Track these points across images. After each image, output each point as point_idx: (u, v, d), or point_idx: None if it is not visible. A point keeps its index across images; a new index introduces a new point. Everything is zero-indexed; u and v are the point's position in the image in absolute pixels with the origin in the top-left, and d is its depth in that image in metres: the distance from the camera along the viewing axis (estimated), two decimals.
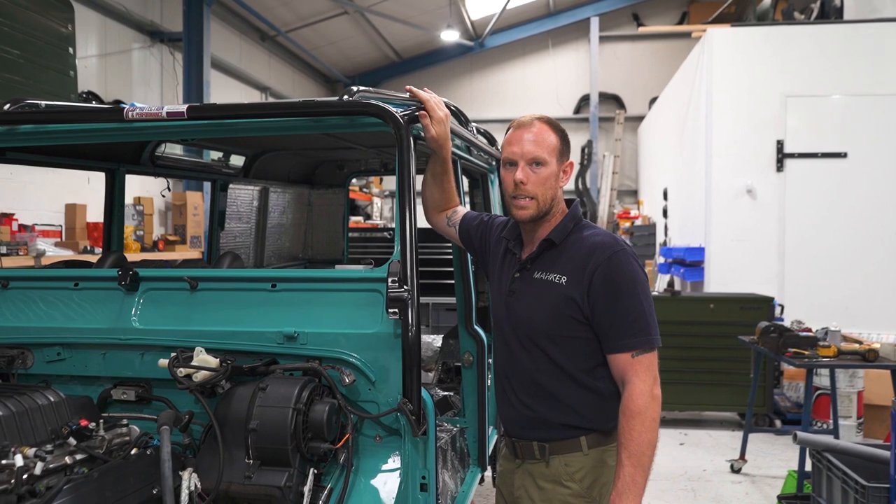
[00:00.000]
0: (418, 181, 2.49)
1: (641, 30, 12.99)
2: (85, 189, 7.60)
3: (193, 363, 1.97)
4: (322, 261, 5.91)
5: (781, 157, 7.64)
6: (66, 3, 7.13)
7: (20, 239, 6.30)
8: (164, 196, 6.51)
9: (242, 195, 4.92)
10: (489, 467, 3.61)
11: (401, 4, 12.58)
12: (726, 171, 7.77)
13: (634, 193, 14.97)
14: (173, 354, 2.01)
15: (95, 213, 7.39)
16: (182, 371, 1.96)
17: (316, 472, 1.99)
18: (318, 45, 13.56)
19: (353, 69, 15.42)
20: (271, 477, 1.87)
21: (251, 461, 1.89)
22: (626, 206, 14.63)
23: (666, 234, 10.84)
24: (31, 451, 1.53)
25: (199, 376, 1.95)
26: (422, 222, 2.46)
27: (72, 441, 1.65)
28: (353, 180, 11.36)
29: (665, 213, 10.83)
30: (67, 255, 6.36)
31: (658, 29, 13.11)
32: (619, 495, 1.90)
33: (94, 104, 7.45)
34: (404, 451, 2.08)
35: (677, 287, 8.40)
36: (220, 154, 4.53)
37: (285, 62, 13.40)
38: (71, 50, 7.08)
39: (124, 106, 2.48)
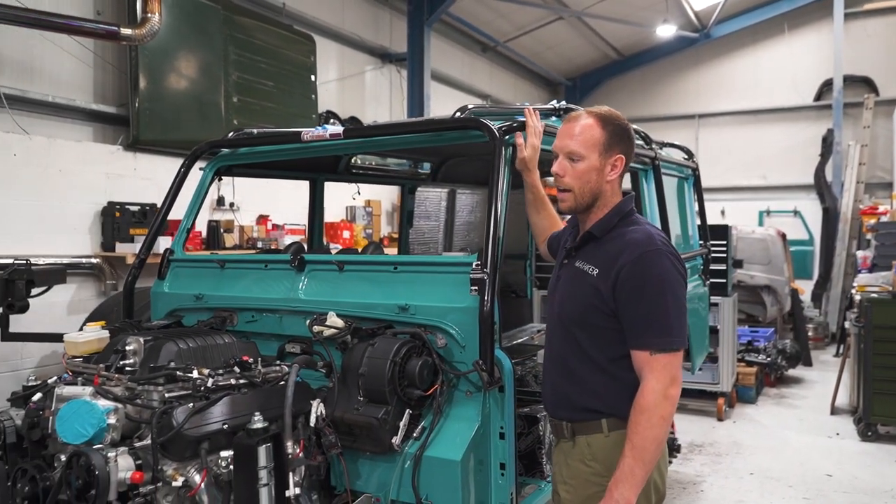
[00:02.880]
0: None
1: (868, 6, 11.56)
2: (325, 195, 9.00)
3: (326, 323, 2.64)
4: (509, 256, 6.43)
5: None
6: (310, 38, 8.54)
7: (273, 236, 7.74)
8: (354, 199, 7.57)
9: (431, 197, 5.65)
10: None
11: (617, 3, 12.66)
12: None
13: (889, 186, 13.32)
14: (314, 316, 2.69)
15: (332, 214, 8.72)
16: (316, 328, 2.63)
17: (412, 412, 2.53)
18: (537, 51, 14.14)
19: (573, 71, 15.75)
20: (373, 410, 2.45)
21: (361, 398, 2.50)
22: (878, 200, 13.09)
23: None
24: (206, 371, 2.28)
25: (328, 332, 2.61)
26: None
27: (236, 370, 2.39)
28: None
29: None
30: None
31: (886, 4, 11.57)
32: (616, 483, 2.02)
33: (331, 122, 8.80)
34: (485, 405, 2.54)
35: None
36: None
37: (506, 70, 14.19)
38: (312, 77, 8.48)
39: (300, 130, 3.25)
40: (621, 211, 2.26)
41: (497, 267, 2.56)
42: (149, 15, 5.78)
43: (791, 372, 9.13)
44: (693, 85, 15.20)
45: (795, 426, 7.07)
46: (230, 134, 3.60)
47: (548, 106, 3.48)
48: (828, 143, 13.47)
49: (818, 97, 14.03)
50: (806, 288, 12.13)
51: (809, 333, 10.81)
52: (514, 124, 2.84)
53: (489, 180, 2.71)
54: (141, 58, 6.33)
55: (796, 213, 14.11)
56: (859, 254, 12.00)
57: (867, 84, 13.61)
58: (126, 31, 5.67)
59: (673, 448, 5.31)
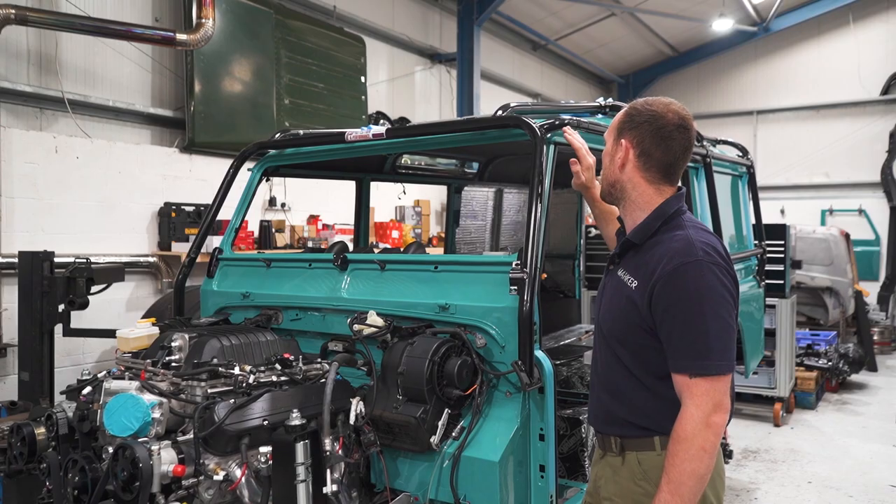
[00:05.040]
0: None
1: None
2: (374, 195, 9.08)
3: (366, 322, 2.65)
4: (557, 255, 6.37)
5: None
6: (359, 40, 8.63)
7: (323, 235, 7.85)
8: (399, 199, 7.61)
9: (477, 196, 5.63)
10: None
11: None
12: None
13: None
14: (355, 315, 2.71)
15: (381, 214, 8.81)
16: (356, 326, 2.65)
17: (451, 412, 2.52)
18: (588, 49, 13.96)
19: (626, 68, 15.49)
20: (411, 409, 2.45)
21: (400, 396, 2.50)
22: None
23: None
24: (247, 368, 2.32)
25: (367, 331, 2.62)
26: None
27: (277, 367, 2.42)
28: None
29: None
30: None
31: None
32: None
33: (381, 123, 8.87)
34: (524, 406, 2.51)
35: None
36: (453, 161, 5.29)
37: (557, 68, 14.05)
38: (363, 78, 8.57)
39: (344, 131, 3.28)
40: (663, 214, 2.01)
41: (537, 267, 2.53)
42: (203, 20, 5.93)
43: (854, 377, 8.77)
44: (751, 80, 14.77)
45: (858, 434, 6.79)
46: (276, 135, 3.66)
47: (593, 104, 3.44)
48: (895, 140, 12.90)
49: (886, 91, 13.45)
50: (871, 290, 11.63)
51: (875, 337, 10.37)
52: (557, 122, 2.80)
53: (530, 179, 2.68)
54: (196, 62, 6.50)
55: (861, 211, 13.55)
56: None
57: None
58: (182, 36, 5.84)
59: (725, 454, 5.17)
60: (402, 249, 5.13)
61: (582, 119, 2.94)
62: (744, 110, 14.68)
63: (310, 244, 7.48)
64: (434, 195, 10.09)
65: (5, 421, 4.04)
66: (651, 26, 13.71)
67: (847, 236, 9.96)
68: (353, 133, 3.24)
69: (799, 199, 13.97)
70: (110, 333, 4.20)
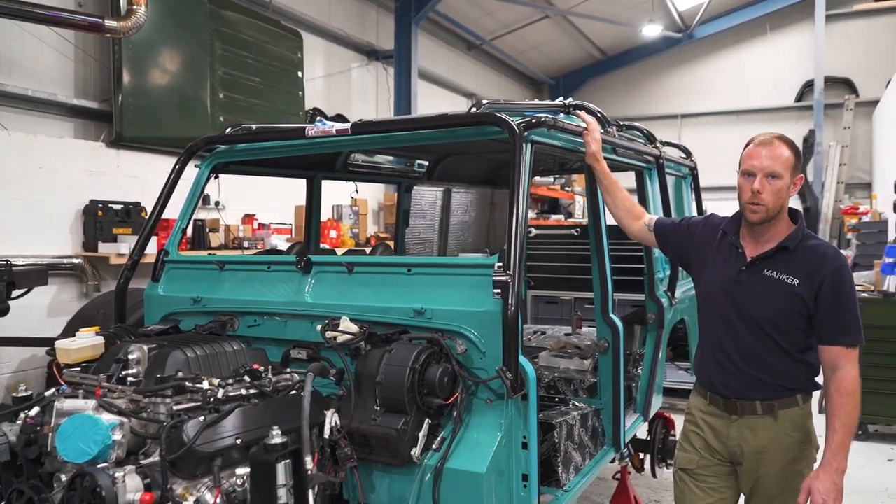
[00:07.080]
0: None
1: (860, 6, 11.67)
2: None
3: (339, 328, 2.50)
4: None
5: None
6: (297, 34, 8.36)
7: (259, 235, 7.55)
8: (353, 197, 7.44)
9: (426, 195, 5.52)
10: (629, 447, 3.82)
11: (603, 2, 12.65)
12: None
13: (868, 186, 13.48)
14: (326, 321, 2.55)
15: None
16: (329, 333, 2.49)
17: (431, 422, 2.40)
18: (521, 50, 14.08)
19: (557, 70, 15.72)
20: (391, 420, 2.32)
21: (378, 407, 2.36)
22: (857, 200, 13.23)
23: None
24: (216, 381, 2.13)
25: (342, 338, 2.47)
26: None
27: (246, 379, 2.24)
28: (553, 179, 11.59)
29: None
30: None
31: (867, 6, 11.69)
32: (835, 454, 2.39)
33: (318, 120, 8.62)
34: (507, 413, 2.42)
35: None
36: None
37: (491, 68, 14.10)
38: (300, 74, 8.31)
39: (304, 126, 3.11)
40: (803, 226, 2.60)
41: (520, 269, 2.44)
42: (135, 6, 5.57)
43: None
44: (676, 85, 15.25)
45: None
46: (227, 129, 3.44)
47: (557, 103, 3.39)
48: (809, 144, 13.59)
49: (799, 98, 14.16)
50: None
51: None
52: (534, 120, 2.72)
53: (510, 178, 2.59)
54: (125, 52, 6.11)
55: None
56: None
57: (847, 85, 13.76)
58: (111, 23, 5.47)
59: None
60: (367, 252, 4.96)
61: (557, 118, 2.88)
62: (669, 114, 15.14)
63: (246, 244, 7.19)
64: (371, 194, 9.91)
65: None
66: (582, 29, 13.96)
67: None
68: (314, 128, 3.07)
69: (721, 200, 14.41)
70: (40, 342, 3.86)
